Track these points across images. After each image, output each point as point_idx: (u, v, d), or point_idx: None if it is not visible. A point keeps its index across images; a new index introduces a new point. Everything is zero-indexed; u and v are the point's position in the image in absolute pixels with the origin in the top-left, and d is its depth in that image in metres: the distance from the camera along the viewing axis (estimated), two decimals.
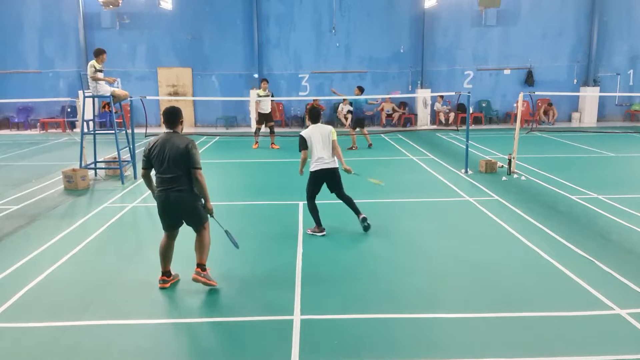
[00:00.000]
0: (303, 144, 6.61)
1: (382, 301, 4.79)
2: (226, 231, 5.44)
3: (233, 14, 19.31)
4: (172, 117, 4.89)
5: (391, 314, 4.53)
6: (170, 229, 5.09)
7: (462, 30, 19.72)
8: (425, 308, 4.65)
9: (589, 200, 8.23)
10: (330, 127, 6.79)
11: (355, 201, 6.91)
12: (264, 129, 14.50)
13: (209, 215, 5.11)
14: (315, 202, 6.76)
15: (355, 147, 13.71)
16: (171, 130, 4.89)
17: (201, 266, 5.03)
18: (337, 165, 6.79)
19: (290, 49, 19.70)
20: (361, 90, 13.74)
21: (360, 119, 13.86)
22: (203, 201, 5.01)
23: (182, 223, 5.08)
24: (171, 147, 4.75)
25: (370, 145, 13.97)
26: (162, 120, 4.86)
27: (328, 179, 6.77)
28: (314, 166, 6.66)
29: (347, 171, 6.87)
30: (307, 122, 6.89)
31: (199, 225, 5.04)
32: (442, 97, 19.01)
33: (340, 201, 6.93)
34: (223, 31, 19.39)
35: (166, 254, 5.10)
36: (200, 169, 4.80)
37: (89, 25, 19.14)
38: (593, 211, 7.62)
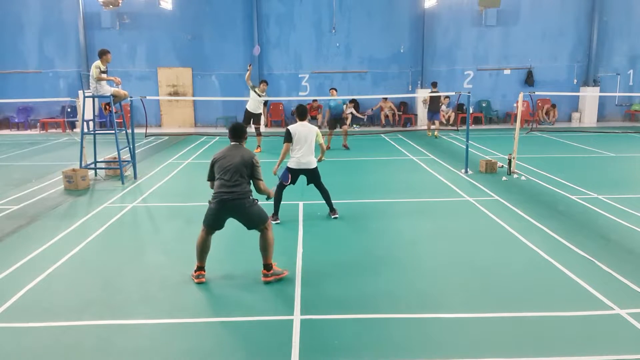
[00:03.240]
0: (288, 137, 6.95)
1: (382, 301, 4.78)
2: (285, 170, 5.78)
3: (233, 14, 19.32)
4: (239, 132, 5.37)
5: (391, 314, 4.53)
6: (214, 228, 5.34)
7: (462, 30, 19.73)
8: (425, 308, 4.65)
9: (589, 200, 8.23)
10: (315, 129, 7.05)
11: (355, 201, 6.92)
12: (249, 129, 14.05)
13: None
14: (283, 194, 7.16)
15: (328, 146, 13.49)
16: (237, 143, 5.34)
17: (267, 266, 5.20)
18: (314, 166, 7.12)
19: (290, 49, 19.71)
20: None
21: (334, 120, 13.83)
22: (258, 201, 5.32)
23: (224, 226, 5.36)
24: (236, 158, 5.15)
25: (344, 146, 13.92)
26: (228, 134, 5.38)
27: (306, 175, 7.17)
28: (291, 163, 7.03)
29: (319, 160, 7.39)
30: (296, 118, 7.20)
31: (260, 226, 5.23)
32: (447, 97, 18.86)
33: (342, 202, 6.94)
34: (223, 31, 19.40)
35: (205, 248, 5.31)
36: (262, 180, 5.31)
37: (89, 25, 19.15)
38: (593, 211, 7.62)
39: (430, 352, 3.94)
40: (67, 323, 4.42)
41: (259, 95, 13.31)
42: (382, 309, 4.63)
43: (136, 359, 3.91)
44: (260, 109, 13.65)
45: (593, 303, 4.68)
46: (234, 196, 5.06)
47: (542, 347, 3.95)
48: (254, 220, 5.22)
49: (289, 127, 7.01)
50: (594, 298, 4.77)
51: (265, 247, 5.22)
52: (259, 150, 13.63)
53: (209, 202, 5.21)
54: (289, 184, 7.11)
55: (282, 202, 7.21)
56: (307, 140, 6.93)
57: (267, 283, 5.14)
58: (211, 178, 5.30)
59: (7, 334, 4.26)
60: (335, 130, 13.88)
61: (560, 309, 4.58)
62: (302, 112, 7.14)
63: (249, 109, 13.46)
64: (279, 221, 7.12)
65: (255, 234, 6.78)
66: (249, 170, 5.14)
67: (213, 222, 5.28)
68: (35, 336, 4.22)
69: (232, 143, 5.35)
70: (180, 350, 4.02)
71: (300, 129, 6.94)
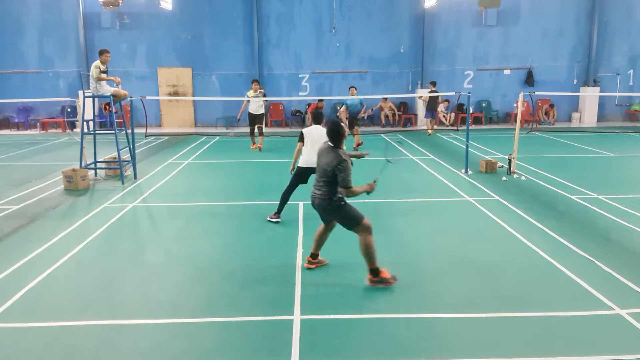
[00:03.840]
0: (301, 138, 7.21)
1: (382, 301, 4.79)
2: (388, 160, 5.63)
3: (233, 14, 19.32)
4: (337, 135, 5.12)
5: (391, 314, 4.53)
6: (323, 221, 5.43)
7: (462, 30, 19.73)
8: (426, 308, 4.65)
9: (589, 200, 8.23)
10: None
11: (355, 201, 6.93)
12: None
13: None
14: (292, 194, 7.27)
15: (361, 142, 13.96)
16: (332, 145, 5.15)
17: (372, 271, 5.05)
18: None
19: (291, 49, 19.71)
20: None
21: (351, 119, 13.88)
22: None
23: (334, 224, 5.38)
24: (326, 158, 5.08)
25: (359, 145, 13.96)
26: (328, 137, 5.19)
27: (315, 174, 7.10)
28: (301, 162, 7.18)
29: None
30: (308, 122, 7.36)
31: (350, 228, 5.17)
32: (448, 101, 18.91)
33: None
34: (223, 31, 19.40)
35: (319, 239, 5.46)
36: (349, 187, 4.96)
37: (89, 25, 19.15)
38: (593, 211, 7.62)
39: (431, 352, 3.94)
40: (67, 323, 4.42)
41: (254, 96, 13.57)
42: (382, 309, 4.63)
43: (136, 359, 3.91)
44: (261, 109, 13.87)
45: (593, 303, 4.68)
46: (317, 197, 5.17)
47: (542, 347, 3.96)
48: (342, 220, 5.21)
49: (303, 130, 7.29)
50: (594, 298, 4.77)
51: (363, 253, 5.06)
52: (256, 147, 13.92)
53: None
54: (302, 183, 7.23)
55: (289, 199, 7.28)
56: (318, 142, 6.97)
57: (310, 268, 5.29)
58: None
59: (7, 334, 4.26)
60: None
61: (560, 309, 4.58)
62: (316, 116, 7.34)
63: (250, 112, 13.85)
64: (280, 220, 7.15)
65: (264, 232, 6.86)
66: (333, 175, 4.98)
67: (321, 218, 5.43)
68: (35, 336, 4.22)
69: (329, 144, 5.18)
70: (180, 350, 4.02)
71: (314, 131, 7.13)
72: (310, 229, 6.90)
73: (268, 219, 7.24)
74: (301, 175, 7.21)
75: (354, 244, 6.43)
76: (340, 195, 5.08)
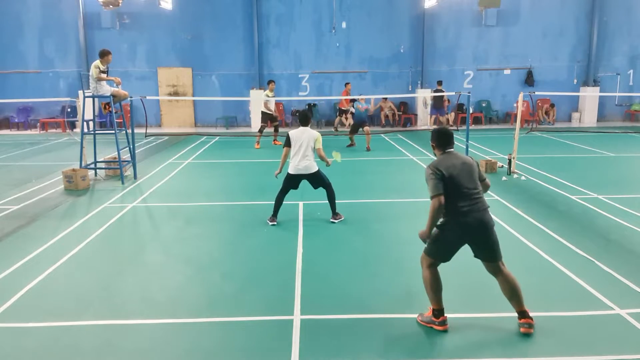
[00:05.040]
0: (287, 142, 7.04)
1: (382, 301, 4.78)
2: None
3: (233, 14, 19.32)
4: (450, 138, 4.30)
5: (391, 314, 4.53)
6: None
7: (462, 30, 19.73)
8: (425, 308, 4.64)
9: (589, 200, 8.23)
10: (316, 134, 7.01)
11: (355, 201, 6.92)
12: (267, 128, 14.64)
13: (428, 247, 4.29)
14: (285, 197, 7.21)
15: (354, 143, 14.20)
16: (451, 150, 4.30)
17: (521, 313, 4.18)
18: (314, 170, 7.06)
19: (290, 49, 19.71)
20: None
21: (356, 123, 13.99)
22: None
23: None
24: (463, 164, 4.16)
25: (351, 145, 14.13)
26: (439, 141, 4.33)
27: (308, 179, 7.15)
28: (290, 168, 7.05)
29: (327, 164, 7.37)
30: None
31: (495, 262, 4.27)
32: (449, 101, 18.93)
33: (342, 202, 6.94)
34: (223, 31, 19.40)
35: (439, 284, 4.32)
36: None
37: (89, 25, 19.15)
38: (593, 211, 7.62)
39: (430, 352, 3.94)
40: (67, 323, 4.42)
41: (273, 96, 14.36)
42: (382, 309, 4.63)
43: (136, 359, 3.91)
44: (273, 108, 14.54)
45: (593, 303, 4.68)
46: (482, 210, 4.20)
47: (542, 347, 3.96)
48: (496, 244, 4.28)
49: (289, 132, 7.07)
50: (594, 298, 4.77)
51: (427, 289, 4.26)
52: (277, 143, 14.75)
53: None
54: (292, 189, 7.15)
55: (282, 202, 7.22)
56: (304, 146, 6.92)
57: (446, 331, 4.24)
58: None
59: (7, 334, 4.26)
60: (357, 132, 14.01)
61: (560, 309, 4.58)
62: (303, 118, 7.13)
63: (267, 111, 14.36)
64: (275, 223, 7.08)
65: (263, 232, 6.86)
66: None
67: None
68: (35, 336, 4.22)
69: (448, 150, 4.28)
70: (180, 350, 4.02)
71: (299, 134, 6.95)
72: (310, 229, 6.92)
73: (267, 221, 7.14)
74: (291, 181, 7.09)
75: (353, 243, 6.46)
76: None
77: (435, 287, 4.24)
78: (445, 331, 4.17)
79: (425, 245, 4.26)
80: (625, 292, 4.87)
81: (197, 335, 4.25)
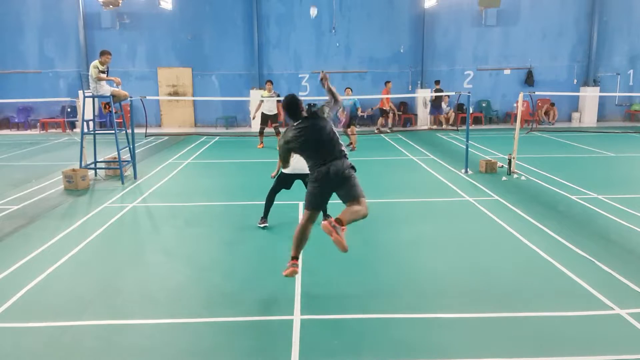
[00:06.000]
0: None
1: (382, 301, 4.78)
2: None
3: (233, 14, 19.31)
4: (296, 109, 4.89)
5: (391, 314, 4.53)
6: (322, 206, 5.11)
7: (462, 30, 19.73)
8: (425, 308, 4.65)
9: (588, 200, 8.23)
10: None
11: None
12: (268, 129, 14.58)
13: None
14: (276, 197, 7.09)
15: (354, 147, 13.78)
16: (302, 118, 4.88)
17: (341, 221, 4.68)
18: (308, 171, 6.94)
19: (290, 49, 19.71)
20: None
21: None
22: None
23: None
24: (312, 128, 4.78)
25: (352, 149, 13.72)
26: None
27: (302, 179, 7.02)
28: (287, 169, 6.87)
29: None
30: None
31: (359, 195, 4.84)
32: (448, 96, 18.96)
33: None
34: (223, 31, 19.40)
35: (306, 236, 4.95)
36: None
37: (89, 25, 19.14)
38: (593, 211, 7.62)
39: (430, 352, 3.94)
40: (67, 323, 4.42)
41: (269, 97, 13.99)
42: (382, 309, 4.63)
43: (136, 359, 3.91)
44: (274, 110, 14.18)
45: (593, 303, 4.68)
46: (340, 166, 4.80)
47: (542, 347, 3.95)
48: (356, 187, 4.85)
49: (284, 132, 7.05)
50: (594, 298, 4.77)
51: (356, 216, 4.85)
52: (263, 146, 14.38)
53: None
54: (284, 189, 7.07)
55: (280, 203, 7.19)
56: None
57: (290, 276, 4.79)
58: None
59: (7, 334, 4.26)
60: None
61: (560, 309, 4.58)
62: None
63: (263, 112, 14.23)
64: (267, 224, 6.98)
65: (263, 232, 6.85)
66: (332, 132, 4.89)
67: (321, 203, 5.07)
68: (35, 336, 4.22)
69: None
70: (180, 350, 4.02)
71: None
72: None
73: (257, 225, 7.02)
74: (285, 181, 7.00)
75: (353, 243, 6.44)
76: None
77: (299, 236, 4.85)
78: (290, 276, 4.76)
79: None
80: (625, 292, 4.87)
81: (197, 335, 4.25)
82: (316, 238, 6.60)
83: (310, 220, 4.87)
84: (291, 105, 4.89)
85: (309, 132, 4.75)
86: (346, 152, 4.90)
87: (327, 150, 4.75)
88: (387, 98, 17.18)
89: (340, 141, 4.87)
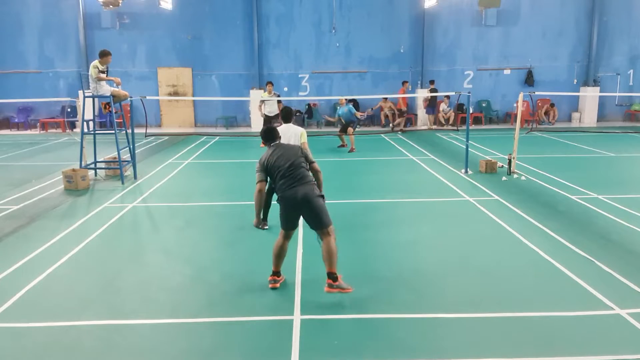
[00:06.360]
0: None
1: (381, 301, 4.78)
2: None
3: (233, 14, 19.31)
4: (271, 134, 5.30)
5: (391, 314, 4.53)
6: (292, 225, 5.09)
7: (462, 30, 19.73)
8: (425, 308, 4.65)
9: (589, 200, 8.23)
10: (300, 129, 6.94)
11: (353, 201, 6.92)
12: None
13: None
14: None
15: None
16: (277, 143, 5.29)
17: (333, 276, 4.78)
18: None
19: (290, 49, 19.71)
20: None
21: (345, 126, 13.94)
22: None
23: None
24: (283, 152, 5.10)
25: (350, 150, 13.73)
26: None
27: None
28: None
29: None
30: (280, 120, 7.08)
31: (322, 225, 4.89)
32: (448, 97, 18.97)
33: (342, 202, 6.93)
34: (223, 31, 19.40)
35: (283, 252, 5.11)
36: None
37: (89, 25, 19.14)
38: (593, 211, 7.62)
39: (430, 352, 3.94)
40: (67, 323, 4.42)
41: (269, 98, 14.12)
42: (382, 309, 4.63)
43: (136, 359, 3.91)
44: (276, 111, 14.22)
45: (593, 303, 4.68)
46: (301, 189, 4.93)
47: (542, 347, 3.96)
48: (321, 215, 4.89)
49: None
50: (594, 298, 4.77)
51: (329, 254, 4.82)
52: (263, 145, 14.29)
53: None
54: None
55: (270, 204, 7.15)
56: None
57: (273, 289, 5.00)
58: None
59: (7, 334, 4.26)
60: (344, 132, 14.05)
61: (560, 309, 4.58)
62: (286, 115, 6.97)
63: (265, 113, 14.34)
64: (267, 227, 6.94)
65: (263, 232, 6.85)
66: (303, 156, 5.20)
67: (291, 220, 5.11)
68: (35, 336, 4.22)
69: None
70: (180, 350, 4.02)
71: (284, 131, 6.75)
72: (310, 229, 6.89)
73: (260, 228, 6.96)
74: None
75: (353, 243, 6.45)
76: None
77: (276, 252, 5.04)
78: (273, 289, 4.97)
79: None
80: (625, 292, 4.87)
81: (197, 335, 4.25)
82: (316, 238, 6.61)
83: (285, 238, 5.06)
84: (267, 132, 5.30)
85: (284, 149, 5.10)
86: (314, 182, 5.08)
87: (297, 173, 4.93)
88: (403, 98, 17.32)
89: (309, 172, 5.12)
